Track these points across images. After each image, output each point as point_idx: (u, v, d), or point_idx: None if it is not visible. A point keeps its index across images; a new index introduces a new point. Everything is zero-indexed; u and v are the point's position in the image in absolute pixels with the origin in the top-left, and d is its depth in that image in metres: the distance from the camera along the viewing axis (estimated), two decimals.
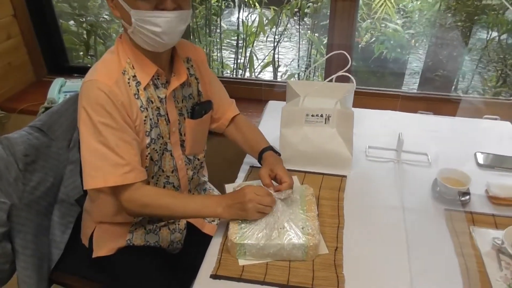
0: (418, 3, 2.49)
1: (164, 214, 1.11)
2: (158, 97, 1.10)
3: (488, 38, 2.35)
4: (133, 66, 1.05)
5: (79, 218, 1.35)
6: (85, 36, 2.51)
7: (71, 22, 2.49)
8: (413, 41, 2.64)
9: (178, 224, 1.25)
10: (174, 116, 1.14)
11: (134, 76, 1.05)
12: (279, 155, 1.21)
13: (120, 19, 1.01)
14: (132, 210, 1.06)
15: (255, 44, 2.52)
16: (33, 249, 1.18)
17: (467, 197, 1.16)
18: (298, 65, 2.63)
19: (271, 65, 2.42)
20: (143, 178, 1.04)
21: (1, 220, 1.09)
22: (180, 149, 1.20)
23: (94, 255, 1.20)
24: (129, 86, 1.03)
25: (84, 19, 2.48)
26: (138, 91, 1.05)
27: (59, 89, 1.88)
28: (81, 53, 2.57)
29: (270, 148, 1.21)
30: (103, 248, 1.20)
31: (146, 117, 1.06)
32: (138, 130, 1.05)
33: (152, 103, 1.08)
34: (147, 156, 1.10)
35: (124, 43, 1.06)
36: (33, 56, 2.08)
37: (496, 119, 1.61)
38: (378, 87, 1.86)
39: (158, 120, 1.10)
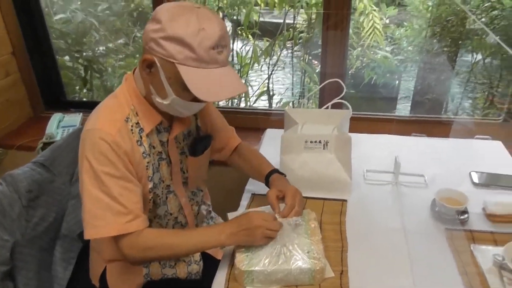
0: (405, 30, 2.59)
1: (168, 253, 1.07)
2: (160, 141, 1.09)
3: (473, 62, 2.43)
4: (136, 113, 1.04)
5: (81, 253, 1.34)
6: (81, 71, 2.55)
7: (66, 57, 2.54)
8: (402, 66, 2.72)
9: (193, 256, 1.22)
10: (175, 158, 1.13)
11: (137, 123, 1.03)
12: (285, 176, 1.22)
13: (148, 84, 1.00)
14: (133, 256, 1.02)
15: (249, 74, 2.58)
16: (35, 286, 1.17)
17: (466, 215, 1.18)
18: (292, 94, 2.69)
19: (266, 94, 2.48)
20: (145, 226, 1.02)
21: (5, 258, 1.08)
22: (183, 186, 1.19)
23: None
24: (132, 133, 1.02)
25: (79, 55, 2.53)
26: (141, 138, 1.04)
27: (58, 124, 1.91)
28: (78, 87, 2.61)
29: (276, 170, 1.23)
30: (121, 287, 1.18)
31: (148, 162, 1.05)
32: (140, 176, 1.04)
33: (154, 148, 1.08)
34: (150, 200, 1.09)
35: (131, 90, 1.05)
36: (31, 92, 2.10)
37: (487, 139, 1.65)
38: (371, 112, 1.91)
39: (159, 165, 1.10)
